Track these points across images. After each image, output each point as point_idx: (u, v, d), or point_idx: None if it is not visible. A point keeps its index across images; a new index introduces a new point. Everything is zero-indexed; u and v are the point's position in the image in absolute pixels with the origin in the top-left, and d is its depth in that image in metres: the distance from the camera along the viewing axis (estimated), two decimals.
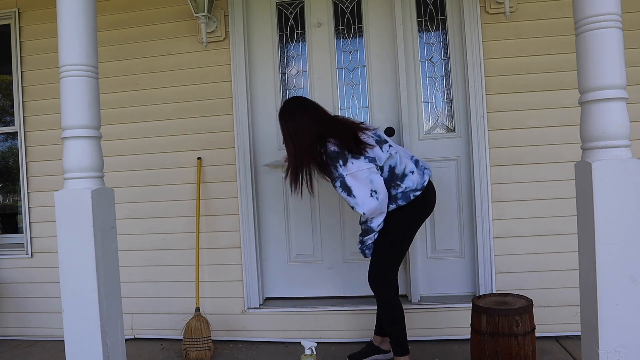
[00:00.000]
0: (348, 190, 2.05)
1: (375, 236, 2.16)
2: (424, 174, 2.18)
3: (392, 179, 2.11)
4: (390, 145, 2.15)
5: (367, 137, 2.11)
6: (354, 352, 2.48)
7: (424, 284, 2.81)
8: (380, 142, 2.13)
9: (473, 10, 2.66)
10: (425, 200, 2.17)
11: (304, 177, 2.14)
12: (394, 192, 2.11)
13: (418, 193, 2.11)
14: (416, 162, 2.22)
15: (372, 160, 2.06)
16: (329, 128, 2.11)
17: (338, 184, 2.07)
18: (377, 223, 2.11)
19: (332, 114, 2.24)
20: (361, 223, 2.17)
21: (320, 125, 2.11)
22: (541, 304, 2.54)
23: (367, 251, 2.21)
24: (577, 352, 2.38)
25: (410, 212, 2.13)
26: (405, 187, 2.10)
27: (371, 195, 2.04)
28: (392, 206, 2.11)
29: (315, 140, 2.10)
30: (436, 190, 2.28)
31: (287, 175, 2.17)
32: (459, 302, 2.68)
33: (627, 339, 1.44)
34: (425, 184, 2.15)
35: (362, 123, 2.21)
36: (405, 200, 2.10)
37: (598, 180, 1.44)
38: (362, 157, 2.04)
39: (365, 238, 2.17)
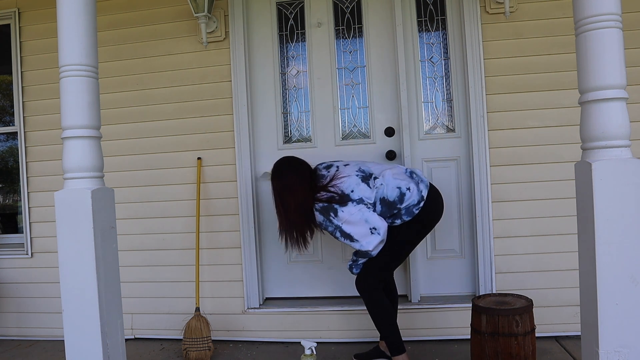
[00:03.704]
0: (349, 237, 2.11)
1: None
2: (418, 185, 2.16)
3: (390, 207, 2.14)
4: (376, 178, 2.17)
5: (338, 185, 2.14)
6: (361, 352, 2.50)
7: (424, 284, 2.81)
8: (367, 178, 2.16)
9: (473, 10, 2.66)
10: (430, 210, 2.17)
11: (296, 235, 2.23)
12: (396, 211, 2.14)
13: (421, 205, 2.13)
14: (411, 174, 2.21)
15: (360, 201, 2.11)
16: (314, 185, 2.18)
17: (338, 234, 2.13)
18: (376, 252, 2.15)
19: (313, 167, 2.29)
20: (364, 255, 2.18)
21: (307, 181, 2.18)
22: (541, 304, 2.54)
23: (355, 269, 2.24)
24: (577, 352, 2.38)
25: (415, 225, 2.17)
26: (407, 204, 2.13)
27: (372, 233, 2.09)
28: (398, 222, 2.15)
29: (306, 199, 2.15)
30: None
31: (280, 234, 2.26)
32: (459, 302, 2.68)
33: (627, 339, 1.44)
34: (424, 195, 2.14)
35: (334, 176, 2.18)
36: (409, 215, 2.13)
37: (598, 180, 1.44)
38: (350, 202, 2.10)
39: (360, 258, 2.20)
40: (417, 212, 2.13)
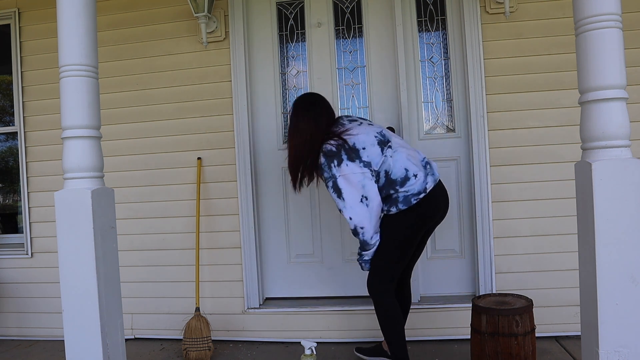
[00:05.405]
0: (339, 192, 2.03)
1: (374, 252, 2.11)
2: (427, 177, 2.07)
3: (390, 184, 2.04)
4: (390, 148, 2.08)
5: (353, 138, 2.07)
6: (364, 346, 2.47)
7: (423, 284, 2.81)
8: (383, 143, 2.08)
9: (473, 10, 2.66)
10: (430, 205, 2.07)
11: (302, 172, 2.16)
12: (394, 195, 2.05)
13: (420, 197, 2.03)
14: (425, 165, 2.13)
15: (367, 165, 2.03)
16: (329, 132, 2.11)
17: (330, 184, 2.05)
18: (369, 235, 2.05)
19: (336, 117, 2.23)
20: (354, 234, 2.10)
21: (320, 129, 2.11)
22: (541, 304, 2.54)
23: (364, 265, 2.17)
24: (577, 352, 2.38)
25: (411, 217, 2.05)
26: (406, 191, 2.03)
27: (361, 201, 2.01)
28: (394, 210, 2.05)
29: (314, 139, 2.09)
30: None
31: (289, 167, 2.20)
32: (459, 302, 2.68)
33: (627, 339, 1.44)
34: (427, 188, 2.05)
35: (352, 128, 2.13)
36: (406, 204, 2.03)
37: (598, 180, 1.44)
38: (357, 161, 2.02)
39: (363, 252, 2.12)
40: (414, 202, 2.02)
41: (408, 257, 2.14)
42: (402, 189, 2.03)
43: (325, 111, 2.17)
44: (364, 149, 2.04)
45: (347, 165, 2.02)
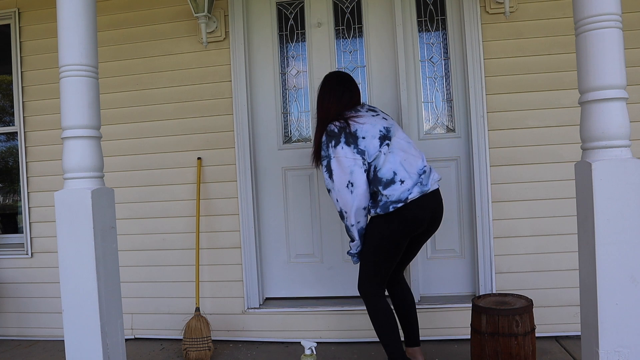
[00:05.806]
0: (330, 172, 2.07)
1: (359, 244, 2.11)
2: (414, 186, 2.00)
3: (376, 181, 2.02)
4: (387, 146, 2.05)
5: (356, 125, 2.09)
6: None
7: (423, 284, 2.81)
8: (383, 138, 2.06)
9: (473, 10, 2.66)
10: (411, 217, 2.00)
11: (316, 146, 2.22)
12: (379, 197, 2.01)
13: (398, 206, 1.97)
14: (420, 174, 2.05)
15: (361, 152, 2.04)
16: (342, 113, 2.16)
17: (325, 163, 2.09)
18: (351, 222, 2.04)
19: (360, 103, 2.26)
20: (340, 217, 2.14)
21: (339, 107, 2.17)
22: (541, 304, 2.54)
23: (352, 258, 2.19)
24: (577, 352, 2.38)
25: (388, 223, 2.01)
26: (387, 196, 1.98)
27: (347, 186, 2.02)
28: (373, 212, 2.04)
29: (329, 116, 2.16)
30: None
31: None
32: (459, 302, 2.68)
33: (627, 339, 1.44)
34: (409, 197, 1.97)
35: (362, 116, 2.12)
36: (383, 210, 1.99)
37: (598, 180, 1.45)
38: (352, 146, 2.04)
39: (350, 243, 2.14)
40: (392, 210, 1.97)
41: (393, 262, 2.08)
42: (385, 192, 1.99)
43: (349, 93, 2.22)
44: (363, 138, 2.05)
45: (342, 148, 2.05)
